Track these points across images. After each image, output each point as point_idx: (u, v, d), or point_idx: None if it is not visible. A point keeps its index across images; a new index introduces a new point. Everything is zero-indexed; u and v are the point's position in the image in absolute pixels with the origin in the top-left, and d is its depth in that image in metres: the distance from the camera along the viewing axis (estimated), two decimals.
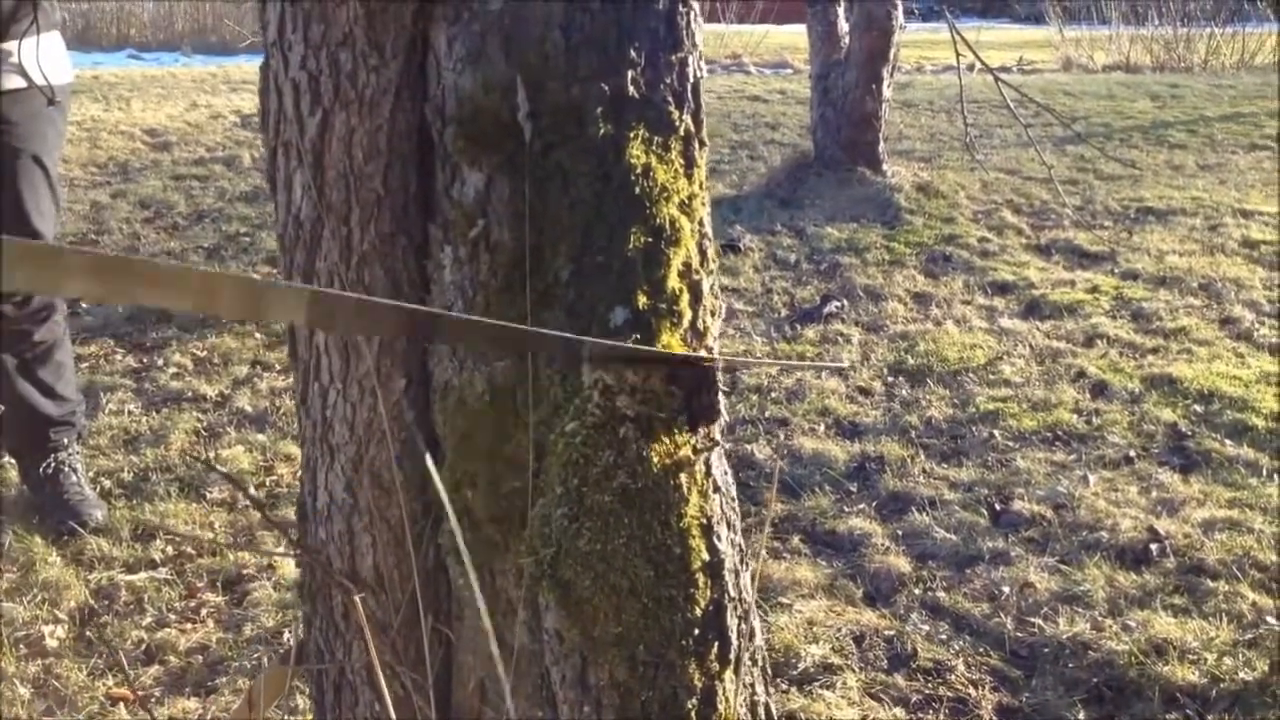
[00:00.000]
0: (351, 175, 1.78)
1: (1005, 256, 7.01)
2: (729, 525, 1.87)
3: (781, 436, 4.81)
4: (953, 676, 3.40)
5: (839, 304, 6.19)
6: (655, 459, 1.72)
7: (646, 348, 1.63)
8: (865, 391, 5.27)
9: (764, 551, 4.01)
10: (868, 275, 6.68)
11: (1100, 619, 3.68)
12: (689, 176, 1.81)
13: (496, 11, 1.71)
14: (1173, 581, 3.87)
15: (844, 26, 8.14)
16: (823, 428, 4.91)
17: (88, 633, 3.57)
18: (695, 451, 1.77)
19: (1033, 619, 3.66)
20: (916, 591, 3.80)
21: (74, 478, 4.27)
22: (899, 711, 3.26)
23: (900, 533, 4.20)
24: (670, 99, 1.78)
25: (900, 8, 7.83)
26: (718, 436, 1.83)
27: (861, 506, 4.33)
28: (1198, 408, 5.02)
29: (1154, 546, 4.06)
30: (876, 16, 7.77)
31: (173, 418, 4.98)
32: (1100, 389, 5.26)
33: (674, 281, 1.76)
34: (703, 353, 1.81)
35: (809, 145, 8.82)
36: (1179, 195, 8.26)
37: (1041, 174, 8.46)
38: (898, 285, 6.53)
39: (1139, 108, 11.68)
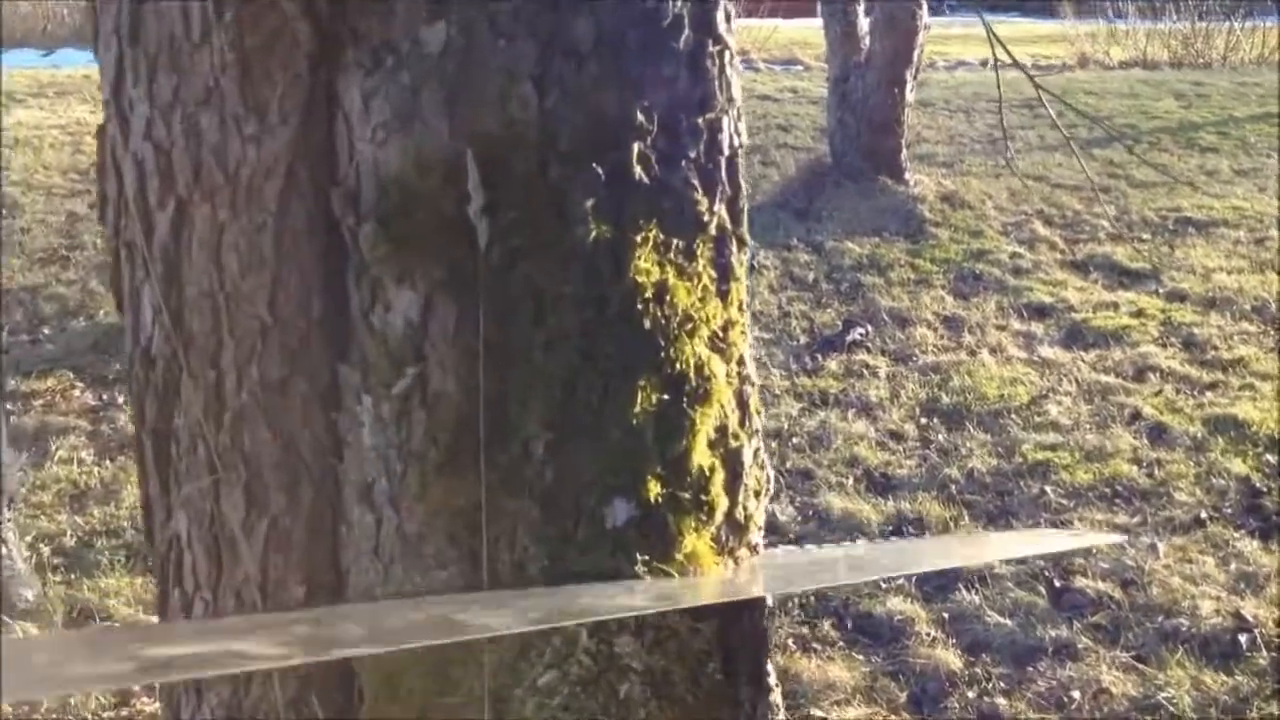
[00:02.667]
0: (221, 294, 1.17)
1: (1040, 274, 6.37)
2: None
3: (807, 493, 4.20)
4: None
5: (863, 330, 5.57)
6: None
7: (680, 604, 1.02)
8: (897, 435, 4.65)
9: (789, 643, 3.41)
10: (892, 296, 6.05)
11: None
12: (724, 296, 1.20)
13: (435, 55, 1.10)
14: (1269, 684, 3.25)
15: (864, 26, 7.48)
16: (851, 481, 4.29)
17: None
18: (735, 707, 1.16)
19: None
20: (970, 695, 3.19)
21: (3, 550, 3.67)
22: None
23: (947, 616, 3.58)
24: (696, 181, 1.17)
25: (925, 6, 7.18)
26: (768, 678, 1.21)
27: (900, 582, 3.71)
28: (1270, 457, 4.40)
29: (1242, 637, 3.44)
30: (899, 16, 7.11)
31: (128, 468, 4.37)
32: (1159, 433, 4.64)
33: (701, 456, 1.15)
34: (744, 554, 1.20)
35: (824, 150, 8.17)
36: (1219, 205, 7.61)
37: (1071, 181, 7.83)
38: (925, 308, 5.91)
39: (1164, 107, 11.00)
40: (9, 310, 6.17)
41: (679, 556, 1.12)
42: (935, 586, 3.71)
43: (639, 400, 1.12)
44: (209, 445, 1.19)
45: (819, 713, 3.05)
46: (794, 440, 4.52)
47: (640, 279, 1.11)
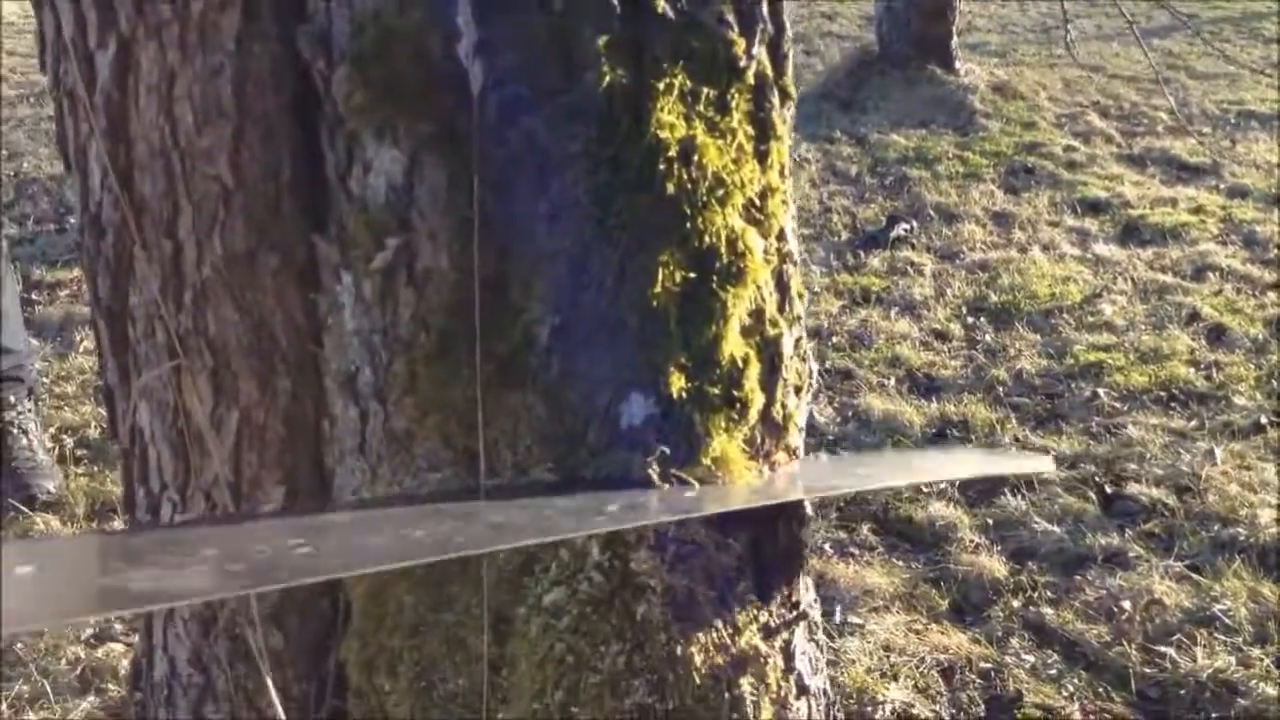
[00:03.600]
0: (175, 153, 1.00)
1: (1095, 168, 6.08)
2: None
3: (847, 394, 4.02)
4: None
5: (907, 226, 5.33)
6: (698, 658, 0.96)
7: (712, 509, 0.85)
8: (942, 335, 4.45)
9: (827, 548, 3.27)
10: (940, 191, 5.79)
11: (1246, 649, 2.90)
12: (762, 157, 1.01)
13: None
14: None
15: None
16: (893, 382, 4.11)
17: (17, 647, 2.89)
18: (768, 635, 1.01)
19: (1162, 647, 2.88)
20: (1015, 604, 3.04)
21: (24, 440, 3.58)
22: None
23: (991, 522, 3.42)
24: (731, 18, 0.98)
25: None
26: (804, 601, 1.05)
27: (943, 487, 3.54)
28: None
29: None
30: None
31: None
32: (1218, 334, 4.41)
33: (733, 344, 0.98)
34: (781, 459, 1.03)
35: (871, 38, 7.82)
36: None
37: (1129, 71, 7.47)
38: (974, 203, 5.64)
39: None
40: (36, 199, 6.02)
41: (705, 461, 0.96)
42: (979, 491, 3.55)
43: (660, 279, 0.94)
44: (168, 327, 1.03)
45: (856, 619, 2.91)
46: (834, 339, 4.33)
47: (663, 135, 0.93)
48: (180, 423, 1.05)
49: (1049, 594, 3.12)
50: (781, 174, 1.03)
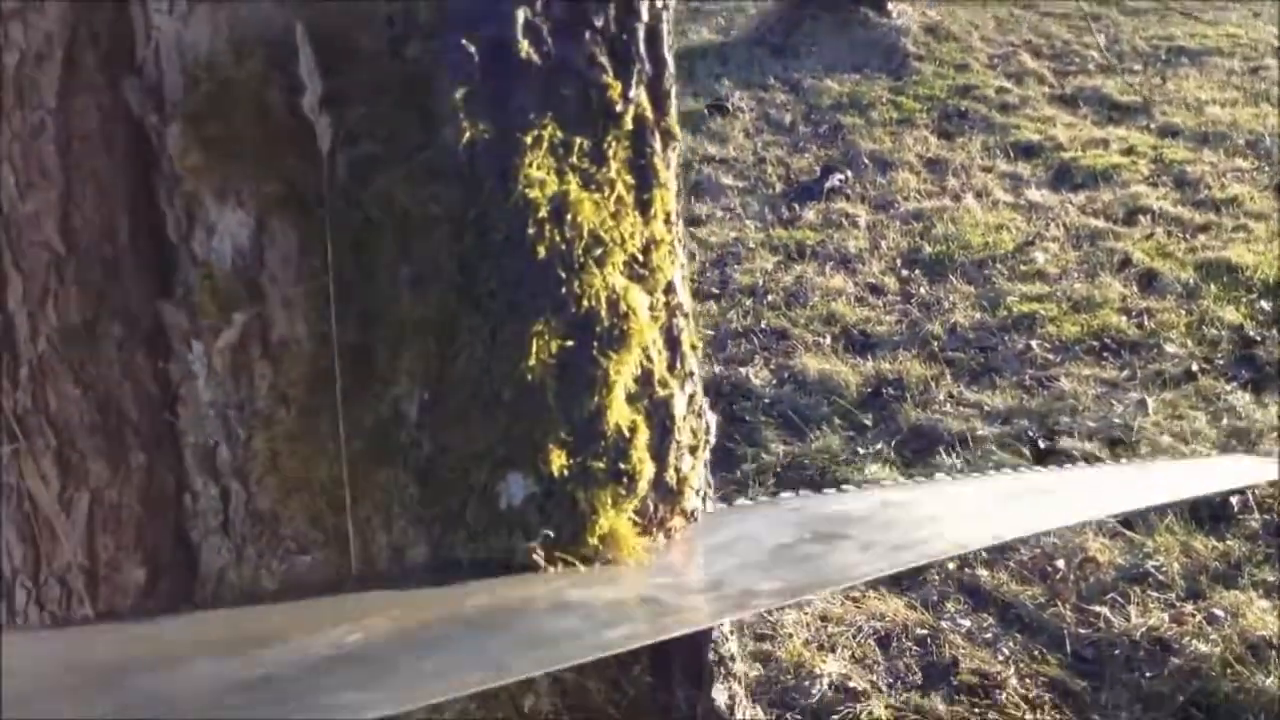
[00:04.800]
0: (1, 215, 0.89)
1: (1028, 110, 6.01)
2: None
3: (782, 355, 3.96)
4: (1003, 695, 2.63)
5: (842, 176, 5.25)
6: None
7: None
8: (877, 289, 4.39)
9: None
10: (874, 139, 5.70)
11: (1179, 605, 2.89)
12: (644, 207, 0.92)
13: None
14: (1261, 549, 3.07)
15: None
16: (829, 340, 4.06)
17: None
18: (667, 714, 0.93)
19: (1096, 607, 2.87)
20: (951, 567, 3.01)
21: None
22: None
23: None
24: (605, 59, 0.88)
25: None
26: (712, 688, 0.97)
27: (879, 447, 3.51)
28: (1264, 304, 4.17)
29: (1234, 499, 3.25)
30: None
31: None
32: (1149, 280, 4.39)
33: (618, 413, 0.90)
34: (677, 524, 0.96)
35: None
36: (1212, 33, 7.18)
37: (1061, 9, 7.39)
38: (908, 150, 5.56)
39: None
40: None
41: (592, 540, 0.88)
42: (914, 450, 3.51)
43: (535, 349, 0.85)
44: (4, 406, 0.93)
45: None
46: (769, 298, 4.26)
47: (532, 194, 0.84)
48: (26, 507, 0.96)
49: (984, 555, 3.09)
50: (667, 222, 0.94)
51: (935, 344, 4.05)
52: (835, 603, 2.93)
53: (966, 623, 2.87)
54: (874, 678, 2.75)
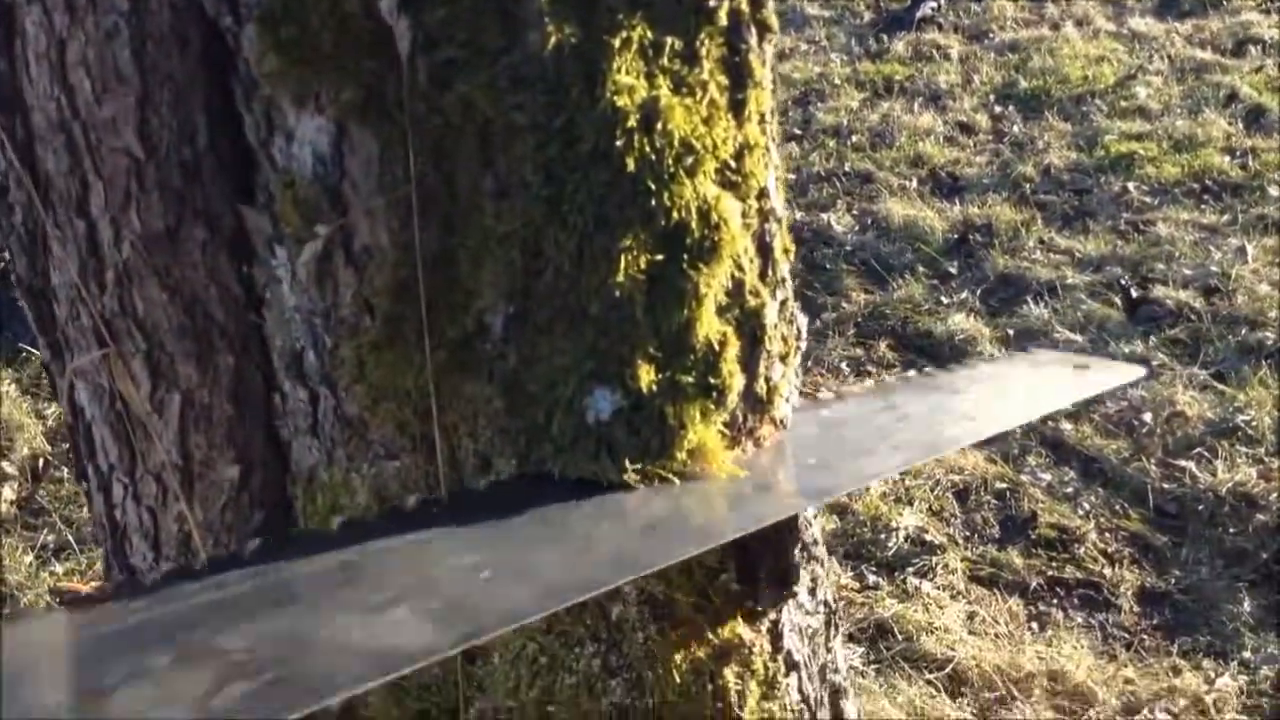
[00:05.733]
0: (76, 124, 0.87)
1: None
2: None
3: (866, 199, 3.87)
4: (1081, 550, 2.63)
5: (934, 4, 5.02)
6: (677, 655, 0.90)
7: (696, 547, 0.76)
8: (967, 128, 4.24)
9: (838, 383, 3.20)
10: None
11: (1268, 461, 2.85)
12: (737, 109, 0.87)
13: None
14: None
15: None
16: (915, 183, 3.95)
17: (39, 494, 2.90)
18: (753, 619, 0.93)
19: (1182, 461, 2.84)
20: (1034, 421, 2.98)
21: None
22: (1015, 603, 2.52)
23: (1012, 332, 3.33)
24: None
25: None
26: (796, 584, 0.97)
27: (964, 296, 3.45)
28: None
29: None
30: None
31: None
32: (1256, 117, 4.19)
33: (708, 326, 0.87)
34: (766, 433, 0.94)
35: None
36: None
37: None
38: None
39: None
40: None
41: (680, 454, 0.86)
42: (1001, 300, 3.45)
43: (624, 263, 0.82)
44: (94, 312, 0.93)
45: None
46: (854, 138, 4.14)
47: (621, 101, 0.79)
48: (119, 407, 0.97)
49: (1069, 409, 3.06)
50: (763, 123, 0.89)
51: (1027, 186, 3.93)
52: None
53: (1047, 476, 2.86)
54: (951, 531, 2.77)
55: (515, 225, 0.82)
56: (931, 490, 2.79)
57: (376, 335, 0.88)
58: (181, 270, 0.92)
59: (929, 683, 2.21)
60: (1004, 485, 2.80)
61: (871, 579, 2.52)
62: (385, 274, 0.87)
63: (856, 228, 3.71)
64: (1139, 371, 1.33)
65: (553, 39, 0.78)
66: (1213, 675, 2.30)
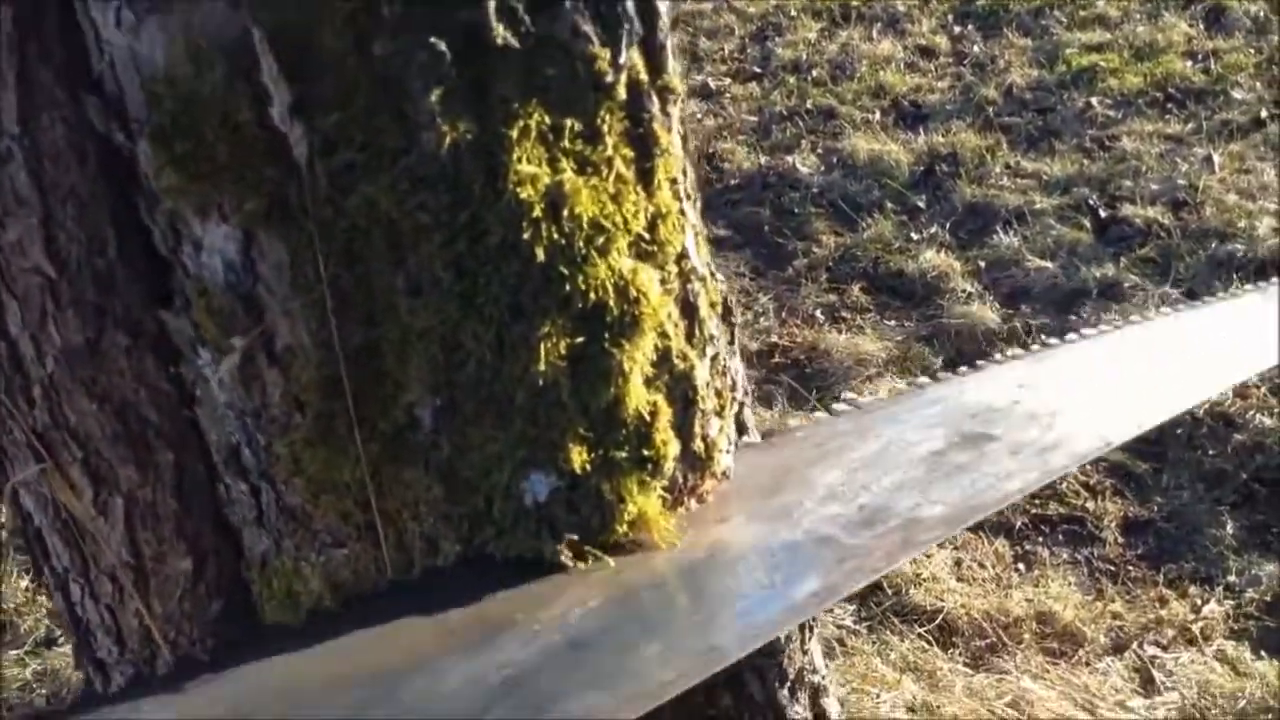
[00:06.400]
0: None
1: None
2: None
3: (830, 136, 3.84)
4: (1064, 485, 2.65)
5: None
6: None
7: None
8: (928, 52, 4.19)
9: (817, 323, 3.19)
10: None
11: (1244, 381, 2.86)
12: (646, 178, 0.86)
13: None
14: None
15: None
16: (878, 115, 3.91)
17: None
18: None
19: None
20: (1010, 353, 2.98)
21: None
22: (1001, 545, 2.55)
23: (984, 264, 3.33)
24: (588, 26, 0.80)
25: None
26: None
27: (934, 230, 3.43)
28: None
29: None
30: None
31: None
32: (1216, 16, 4.14)
33: (636, 399, 0.86)
34: (709, 487, 0.94)
35: None
36: None
37: None
38: None
39: None
40: None
41: (621, 527, 0.87)
42: (970, 231, 3.44)
43: (544, 349, 0.82)
44: (25, 430, 0.92)
45: (850, 393, 2.87)
46: (814, 72, 4.09)
47: (524, 192, 0.78)
48: (64, 514, 0.97)
49: (1042, 337, 3.06)
50: (674, 187, 0.88)
51: (990, 110, 3.90)
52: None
53: None
54: None
55: (432, 321, 0.82)
56: None
57: (309, 432, 0.88)
58: (108, 378, 0.91)
59: (920, 636, 2.24)
60: None
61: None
62: (310, 372, 0.86)
63: (822, 168, 3.68)
64: None
65: (448, 138, 0.77)
66: (1199, 602, 2.33)
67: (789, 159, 3.67)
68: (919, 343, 3.08)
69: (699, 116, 4.00)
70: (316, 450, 0.88)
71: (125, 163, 0.85)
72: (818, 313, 3.15)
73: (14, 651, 2.42)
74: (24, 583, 2.63)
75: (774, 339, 3.04)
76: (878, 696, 1.99)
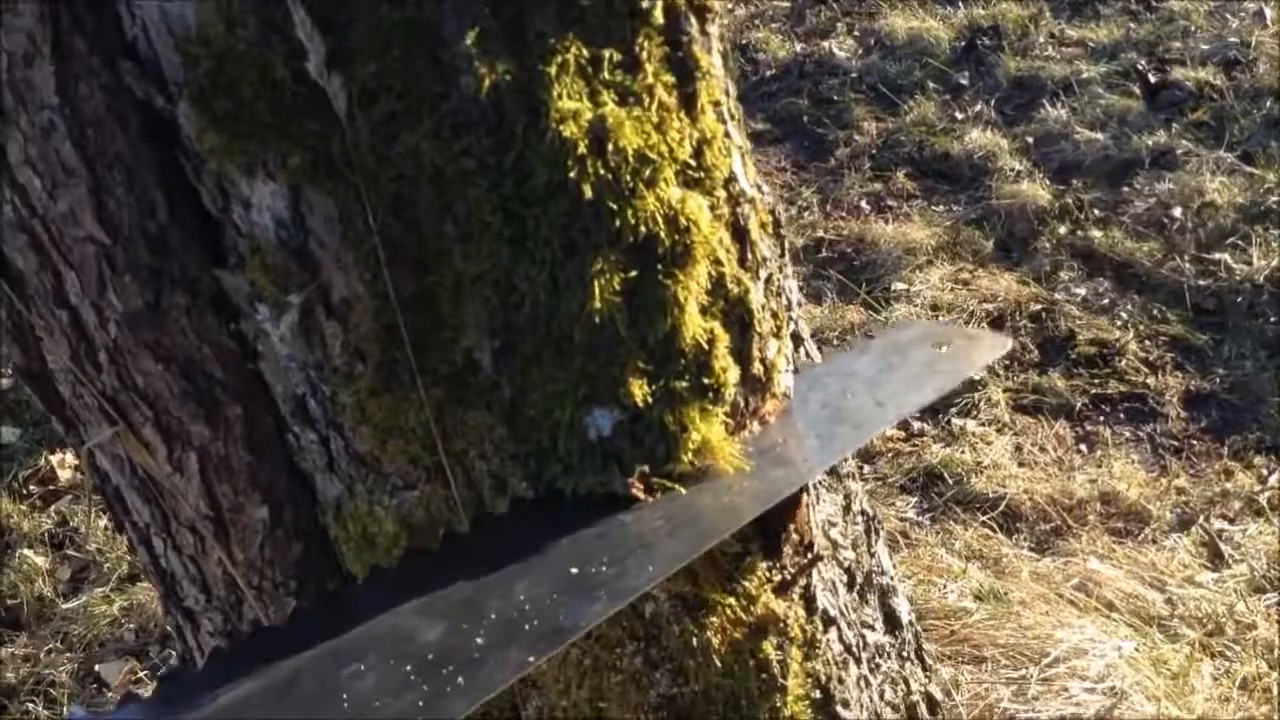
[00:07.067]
0: (36, 222, 0.87)
1: None
2: (863, 661, 1.08)
3: (866, 17, 3.75)
4: (1123, 361, 2.63)
5: None
6: (715, 640, 0.93)
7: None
8: None
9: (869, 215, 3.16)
10: None
11: None
12: (688, 103, 0.84)
13: None
14: None
15: None
16: None
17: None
18: (783, 590, 0.96)
19: (1216, 255, 2.80)
20: (1062, 231, 2.94)
21: None
22: (1061, 427, 2.54)
23: (1031, 140, 3.27)
24: None
25: None
26: (818, 541, 0.99)
27: (979, 108, 3.37)
28: None
29: None
30: None
31: None
32: None
33: (693, 328, 0.86)
34: (770, 408, 0.94)
35: None
36: None
37: None
38: None
39: None
40: None
41: (686, 456, 0.87)
42: (1017, 106, 3.37)
43: (598, 286, 0.82)
44: (96, 393, 0.94)
45: (900, 284, 2.85)
46: None
47: (567, 130, 0.77)
48: (141, 472, 0.99)
49: (1095, 213, 3.01)
50: (717, 109, 0.86)
51: None
52: (945, 289, 2.91)
53: (1081, 291, 2.84)
54: (989, 362, 2.77)
55: (485, 265, 0.82)
56: (966, 322, 2.78)
57: (371, 380, 0.89)
58: (171, 338, 0.93)
59: (984, 524, 2.26)
60: (1039, 306, 2.79)
61: (916, 426, 2.55)
62: (368, 322, 0.87)
63: (860, 50, 3.61)
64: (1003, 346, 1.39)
65: (486, 80, 0.76)
66: (1265, 473, 2.32)
67: (825, 44, 3.59)
68: (969, 226, 3.04)
69: (730, 7, 3.91)
70: (380, 398, 0.89)
71: (168, 126, 0.85)
72: (863, 203, 3.12)
73: (100, 590, 2.50)
74: (103, 521, 2.70)
75: (819, 233, 3.01)
76: (944, 587, 2.01)
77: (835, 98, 3.42)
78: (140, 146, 0.86)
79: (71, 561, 2.64)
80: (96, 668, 2.40)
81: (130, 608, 2.47)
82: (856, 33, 3.64)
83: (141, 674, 2.33)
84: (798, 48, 3.64)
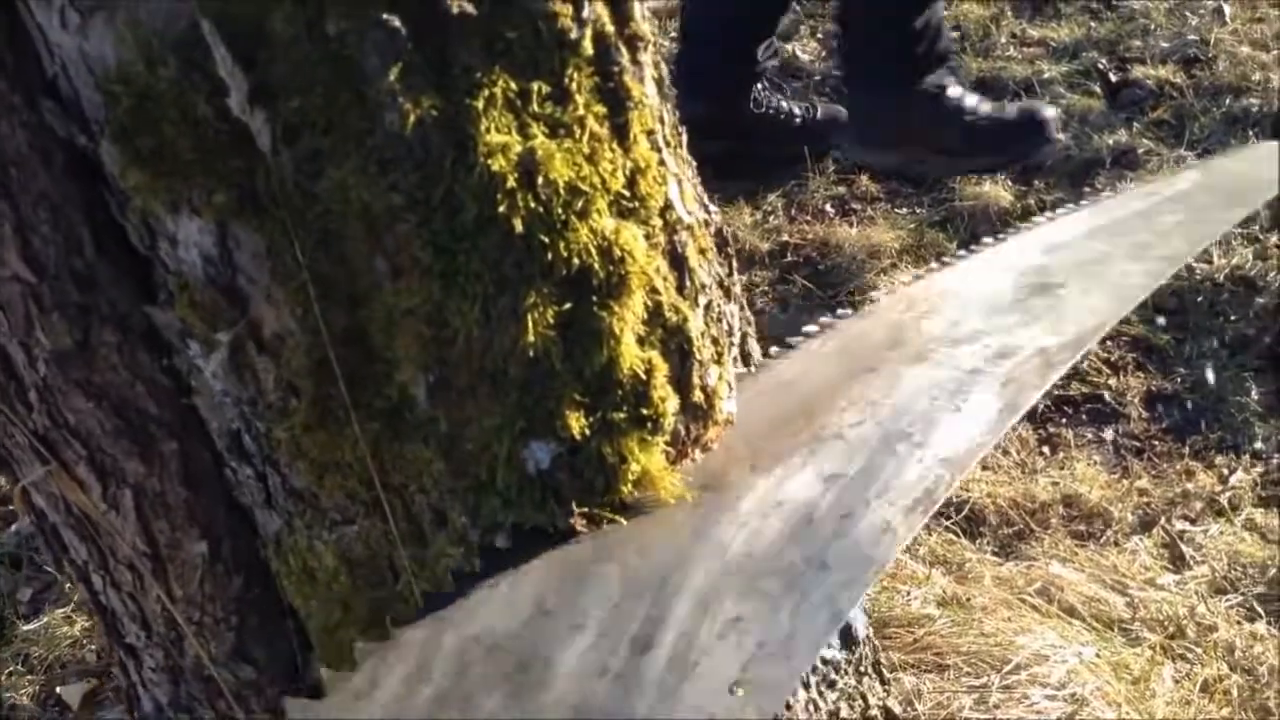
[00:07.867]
0: None
1: None
2: (812, 686, 1.08)
3: (827, 19, 3.75)
4: (1085, 363, 2.64)
5: None
6: None
7: None
8: None
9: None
10: None
11: (1264, 239, 2.83)
12: (620, 133, 0.83)
13: None
14: None
15: None
16: None
17: None
18: None
19: None
20: (1027, 231, 2.95)
21: None
22: (1025, 430, 2.55)
23: None
24: None
25: None
26: None
27: None
28: None
29: None
30: None
31: None
32: None
33: (629, 359, 0.86)
34: (713, 435, 0.93)
35: None
36: None
37: None
38: None
39: None
40: None
41: (626, 487, 0.87)
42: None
43: (532, 320, 0.81)
44: (29, 434, 0.93)
45: (866, 284, 2.85)
46: None
47: (495, 164, 0.76)
48: (77, 510, 0.98)
49: (1046, 198, 3.02)
50: (651, 138, 0.86)
51: None
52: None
53: None
54: None
55: (416, 300, 0.81)
56: None
57: (306, 416, 0.88)
58: (102, 375, 0.92)
59: (948, 528, 2.26)
60: None
61: None
62: (301, 357, 0.86)
63: (822, 53, 3.61)
64: None
65: (411, 116, 0.75)
66: (1226, 472, 2.33)
67: (789, 47, 3.59)
68: (932, 229, 3.04)
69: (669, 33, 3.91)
70: (316, 433, 0.88)
71: (92, 163, 0.84)
72: (827, 206, 3.11)
73: (61, 610, 2.47)
74: None
75: (784, 238, 3.01)
76: (908, 594, 2.01)
77: (799, 100, 3.41)
78: (65, 184, 0.85)
79: (32, 582, 2.61)
80: (58, 690, 2.38)
81: (92, 628, 2.44)
82: (819, 35, 3.64)
83: (104, 696, 2.31)
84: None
